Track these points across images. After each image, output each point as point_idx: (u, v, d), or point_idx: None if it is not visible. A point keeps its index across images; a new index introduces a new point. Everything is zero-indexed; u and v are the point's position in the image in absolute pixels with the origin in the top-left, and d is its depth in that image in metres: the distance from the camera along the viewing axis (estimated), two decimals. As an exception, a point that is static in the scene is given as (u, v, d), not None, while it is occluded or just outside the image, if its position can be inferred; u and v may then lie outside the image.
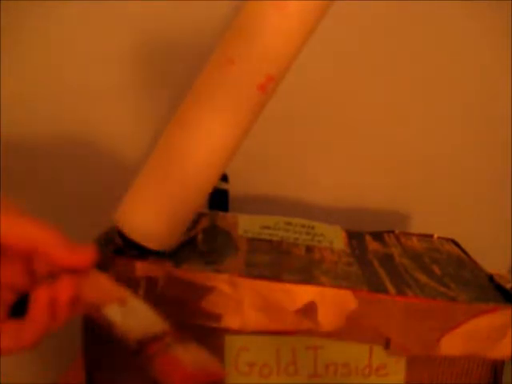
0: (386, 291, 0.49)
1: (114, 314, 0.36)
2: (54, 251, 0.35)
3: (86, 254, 0.36)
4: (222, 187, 0.75)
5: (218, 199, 0.75)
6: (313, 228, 0.64)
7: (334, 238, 0.62)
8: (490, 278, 0.56)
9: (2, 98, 0.76)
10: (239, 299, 0.48)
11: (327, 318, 0.48)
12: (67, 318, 0.35)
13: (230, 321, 0.48)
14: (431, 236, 0.68)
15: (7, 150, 0.76)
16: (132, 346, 0.35)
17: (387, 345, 0.49)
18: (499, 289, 0.53)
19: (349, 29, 0.75)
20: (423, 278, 0.53)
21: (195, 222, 0.60)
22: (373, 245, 0.63)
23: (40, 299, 0.35)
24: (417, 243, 0.65)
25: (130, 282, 0.48)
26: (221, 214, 0.66)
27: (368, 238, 0.65)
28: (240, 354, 0.50)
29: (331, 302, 0.48)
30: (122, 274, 0.48)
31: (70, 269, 0.35)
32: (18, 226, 0.34)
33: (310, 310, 0.48)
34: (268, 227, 0.62)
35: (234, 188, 0.77)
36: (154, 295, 0.48)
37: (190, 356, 0.33)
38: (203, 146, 0.50)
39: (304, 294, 0.48)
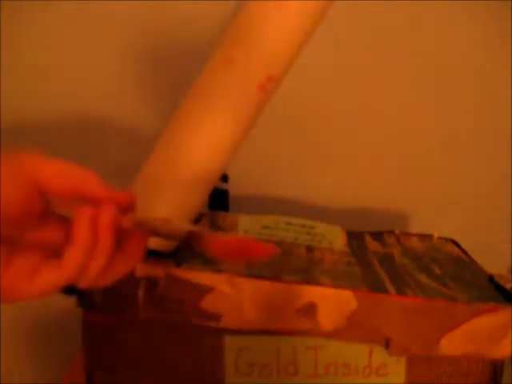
0: (386, 291, 0.49)
1: (159, 225, 0.35)
2: (98, 189, 0.34)
3: (128, 194, 0.35)
4: (221, 187, 0.75)
5: (218, 199, 0.75)
6: (313, 228, 0.64)
7: (334, 238, 0.62)
8: (490, 278, 0.56)
9: (2, 87, 0.76)
10: (239, 299, 0.48)
11: (327, 318, 0.48)
12: (108, 246, 0.34)
13: (230, 321, 0.48)
14: (431, 236, 0.68)
15: (7, 135, 0.76)
16: (179, 240, 0.35)
17: (387, 345, 0.49)
18: (499, 289, 0.53)
19: (349, 28, 0.75)
20: (423, 278, 0.53)
21: (195, 221, 0.60)
22: (373, 245, 0.63)
23: (83, 217, 0.33)
24: (417, 243, 0.65)
25: (130, 282, 0.48)
26: (221, 214, 0.66)
27: (368, 238, 0.65)
28: (240, 354, 0.50)
29: (331, 301, 0.48)
30: (122, 273, 0.48)
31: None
32: (58, 167, 0.34)
33: (310, 309, 0.48)
34: (268, 227, 0.62)
35: (234, 188, 0.77)
36: (154, 295, 0.48)
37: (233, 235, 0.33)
38: (203, 145, 0.50)
39: (304, 294, 0.48)
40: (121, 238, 0.35)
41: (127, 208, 0.35)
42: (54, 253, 0.34)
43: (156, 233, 0.35)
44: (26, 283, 0.32)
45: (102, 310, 0.49)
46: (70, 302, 0.50)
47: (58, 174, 0.34)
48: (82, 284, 0.34)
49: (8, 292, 0.32)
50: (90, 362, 0.52)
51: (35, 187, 0.33)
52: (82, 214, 0.33)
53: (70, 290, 0.37)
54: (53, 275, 0.33)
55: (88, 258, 0.33)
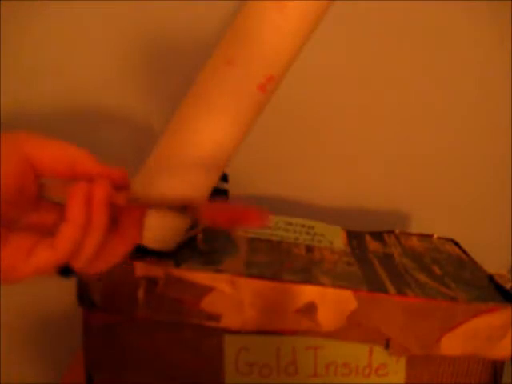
0: (386, 291, 0.49)
1: (154, 200, 0.36)
2: (91, 165, 0.34)
3: (121, 170, 0.35)
4: (222, 187, 0.75)
5: (218, 199, 0.75)
6: (313, 228, 0.64)
7: (334, 237, 0.62)
8: (490, 278, 0.56)
9: (2, 86, 0.76)
10: (239, 299, 0.48)
11: (327, 318, 0.48)
12: (103, 222, 0.33)
13: (230, 321, 0.48)
14: (431, 236, 0.68)
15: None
16: (175, 209, 0.35)
17: (387, 345, 0.49)
18: (499, 289, 0.53)
19: (349, 29, 0.75)
20: (423, 278, 0.53)
21: (195, 221, 0.60)
22: (373, 245, 0.63)
23: (76, 193, 0.33)
24: (417, 243, 0.65)
25: (130, 282, 0.48)
26: (221, 213, 0.66)
27: (368, 238, 0.65)
28: (240, 354, 0.50)
29: (331, 301, 0.48)
30: (121, 273, 0.48)
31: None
32: (53, 147, 0.34)
33: (309, 309, 0.48)
34: (268, 227, 0.62)
35: (233, 188, 0.77)
36: (154, 295, 0.48)
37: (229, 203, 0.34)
38: (203, 145, 0.50)
39: (304, 294, 0.48)
40: (116, 216, 0.35)
41: (121, 185, 0.35)
42: (49, 235, 0.34)
43: (151, 206, 0.35)
44: (22, 263, 0.33)
45: (102, 310, 0.49)
46: (70, 302, 0.50)
47: (52, 151, 0.34)
48: (78, 263, 0.34)
49: (5, 272, 0.33)
50: (89, 362, 0.52)
51: (30, 167, 0.34)
52: (76, 191, 0.33)
53: (65, 270, 0.36)
54: (48, 253, 0.33)
55: (82, 234, 0.33)
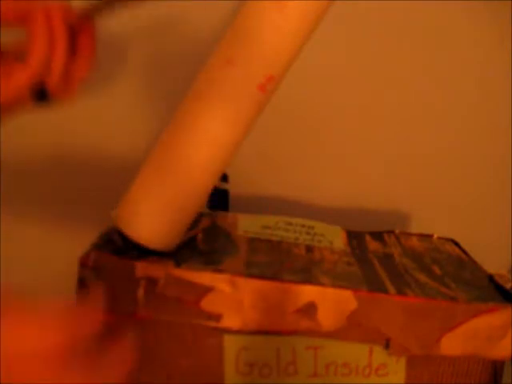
0: (386, 291, 0.49)
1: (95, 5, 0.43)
2: (44, 5, 0.40)
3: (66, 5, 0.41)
4: (222, 187, 0.75)
5: (218, 199, 0.75)
6: (313, 228, 0.64)
7: (334, 238, 0.62)
8: (490, 278, 0.56)
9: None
10: (239, 299, 0.48)
11: (327, 317, 0.48)
12: (64, 37, 0.39)
13: (230, 321, 0.48)
14: (431, 236, 0.68)
15: (7, 155, 0.76)
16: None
17: (387, 345, 0.49)
18: (499, 289, 0.53)
19: (349, 29, 0.75)
20: (423, 278, 0.53)
21: (195, 221, 0.60)
22: (373, 245, 0.63)
23: (38, 16, 0.39)
24: (417, 243, 0.65)
25: (130, 282, 0.48)
26: (221, 213, 0.66)
27: (368, 237, 0.65)
28: (240, 354, 0.50)
29: (331, 301, 0.48)
30: (121, 274, 0.48)
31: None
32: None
33: (310, 309, 0.48)
34: (268, 227, 0.62)
35: (234, 188, 0.77)
36: (154, 295, 0.48)
37: None
38: (203, 145, 0.50)
39: (304, 294, 0.48)
40: (73, 41, 0.41)
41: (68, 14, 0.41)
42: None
43: (96, 12, 0.42)
44: (4, 86, 0.39)
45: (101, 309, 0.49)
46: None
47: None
48: (50, 80, 0.40)
49: None
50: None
51: None
52: (37, 14, 0.39)
53: (41, 94, 0.42)
54: (24, 71, 0.39)
55: (49, 50, 0.39)
